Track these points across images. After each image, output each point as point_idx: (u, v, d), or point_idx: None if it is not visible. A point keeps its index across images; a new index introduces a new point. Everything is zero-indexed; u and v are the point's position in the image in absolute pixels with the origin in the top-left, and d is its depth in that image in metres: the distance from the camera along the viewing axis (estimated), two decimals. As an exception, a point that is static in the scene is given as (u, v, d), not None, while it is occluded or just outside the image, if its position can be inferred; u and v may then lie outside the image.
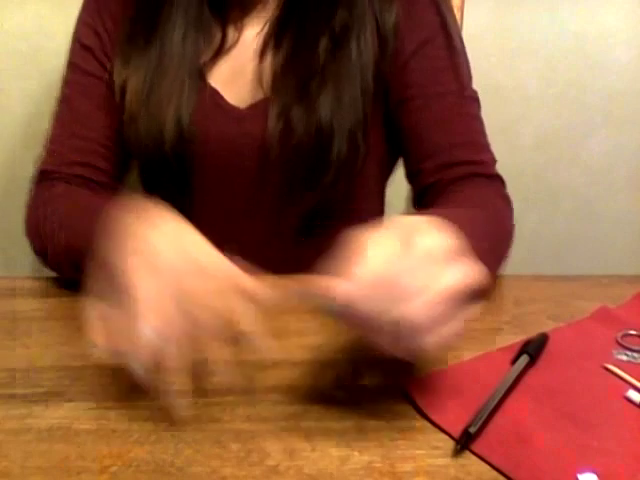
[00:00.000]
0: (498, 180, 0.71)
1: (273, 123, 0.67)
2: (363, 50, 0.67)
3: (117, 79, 0.71)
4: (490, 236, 0.59)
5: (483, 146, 0.72)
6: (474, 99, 0.72)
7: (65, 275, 0.64)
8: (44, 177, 0.73)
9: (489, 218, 0.63)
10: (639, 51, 1.25)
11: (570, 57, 1.24)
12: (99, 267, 0.48)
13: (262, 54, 0.70)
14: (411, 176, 0.74)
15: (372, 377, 0.47)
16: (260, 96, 0.69)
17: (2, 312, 0.57)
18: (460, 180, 0.69)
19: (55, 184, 0.72)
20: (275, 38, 0.69)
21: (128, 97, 0.70)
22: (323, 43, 0.66)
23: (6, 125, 1.13)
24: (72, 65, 0.75)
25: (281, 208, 0.72)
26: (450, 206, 0.65)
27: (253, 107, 0.70)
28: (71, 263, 0.60)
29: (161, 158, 0.70)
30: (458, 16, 0.96)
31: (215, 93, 0.70)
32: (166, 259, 0.45)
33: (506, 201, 0.70)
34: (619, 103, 1.28)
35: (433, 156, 0.70)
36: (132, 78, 0.70)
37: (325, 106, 0.66)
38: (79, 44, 0.74)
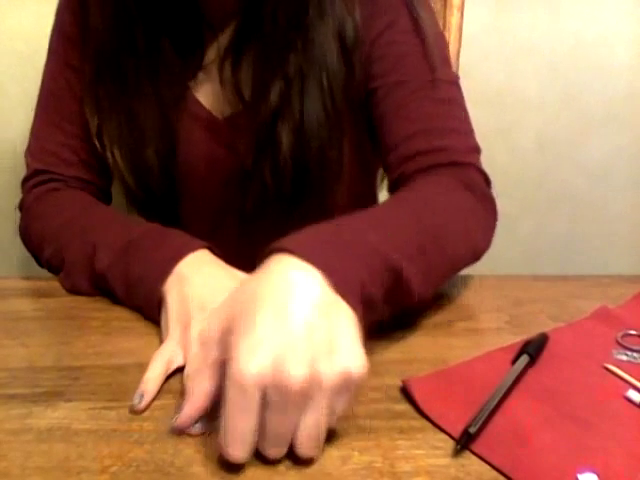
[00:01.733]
0: (468, 169, 0.64)
1: (244, 142, 0.67)
2: (328, 65, 0.64)
3: (90, 120, 0.69)
4: (423, 236, 0.51)
5: (451, 131, 0.66)
6: (449, 82, 0.68)
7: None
8: (42, 178, 0.72)
9: (427, 214, 0.54)
10: (639, 51, 1.25)
11: (570, 58, 1.25)
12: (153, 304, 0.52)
13: (223, 74, 0.68)
14: (385, 173, 0.71)
15: (372, 377, 0.47)
16: (235, 109, 0.69)
17: (2, 312, 0.57)
18: (420, 172, 0.64)
19: (55, 187, 0.72)
20: (233, 59, 0.67)
21: (107, 140, 0.69)
22: (276, 79, 0.64)
23: (6, 125, 1.13)
24: (54, 55, 0.74)
25: (265, 218, 0.71)
26: (397, 196, 0.58)
27: (230, 119, 0.70)
28: (87, 277, 0.60)
29: (144, 184, 0.70)
30: (458, 16, 0.96)
31: (198, 104, 0.70)
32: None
33: (470, 189, 0.62)
34: (619, 104, 1.28)
35: (395, 148, 0.66)
36: (107, 122, 0.69)
37: (288, 128, 0.64)
38: (61, 34, 0.73)
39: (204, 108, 0.71)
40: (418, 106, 0.66)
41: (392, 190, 0.69)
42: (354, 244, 0.44)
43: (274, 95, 0.64)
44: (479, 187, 0.64)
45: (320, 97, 0.64)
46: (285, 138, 0.64)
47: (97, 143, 0.70)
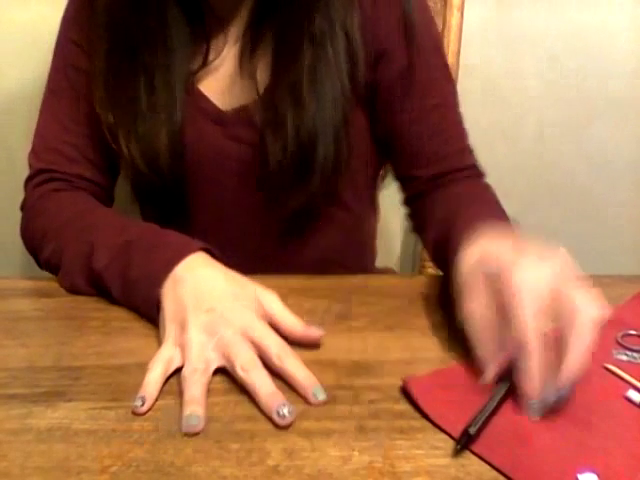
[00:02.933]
0: (481, 175, 0.75)
1: (259, 128, 0.67)
2: (338, 52, 0.66)
3: (103, 115, 0.69)
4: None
5: (470, 149, 0.75)
6: (457, 103, 0.74)
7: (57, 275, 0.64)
8: (44, 177, 0.72)
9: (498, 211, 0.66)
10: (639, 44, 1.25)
11: (570, 57, 1.24)
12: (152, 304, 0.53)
13: (242, 61, 0.69)
14: (403, 181, 0.76)
15: (372, 377, 0.47)
16: (246, 101, 0.69)
17: (2, 312, 0.57)
18: (453, 182, 0.72)
19: (58, 187, 0.72)
20: (251, 45, 0.68)
21: (121, 133, 0.69)
22: (303, 48, 0.65)
23: (6, 125, 1.13)
24: (59, 57, 0.74)
25: (270, 208, 0.72)
26: (451, 203, 0.67)
27: (239, 111, 0.70)
28: (84, 276, 0.60)
29: (155, 171, 0.69)
30: (458, 16, 0.96)
31: (203, 98, 0.70)
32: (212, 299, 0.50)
33: (491, 191, 0.72)
34: (619, 98, 1.28)
35: (429, 166, 0.73)
36: (119, 111, 0.69)
37: (309, 110, 0.65)
38: (67, 38, 0.74)
39: (209, 101, 0.71)
40: (449, 129, 0.73)
41: (412, 200, 0.76)
42: None
43: (307, 54, 0.65)
44: (492, 190, 0.72)
45: (334, 69, 0.66)
46: (308, 100, 0.65)
47: (106, 130, 0.69)
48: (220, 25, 0.70)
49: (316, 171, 0.67)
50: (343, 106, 0.67)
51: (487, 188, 0.72)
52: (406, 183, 0.76)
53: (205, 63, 0.70)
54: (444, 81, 0.73)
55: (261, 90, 0.68)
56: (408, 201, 0.77)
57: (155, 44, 0.67)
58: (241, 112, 0.70)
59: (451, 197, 0.70)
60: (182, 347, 0.47)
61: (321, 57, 0.65)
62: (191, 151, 0.71)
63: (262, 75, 0.68)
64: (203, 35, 0.70)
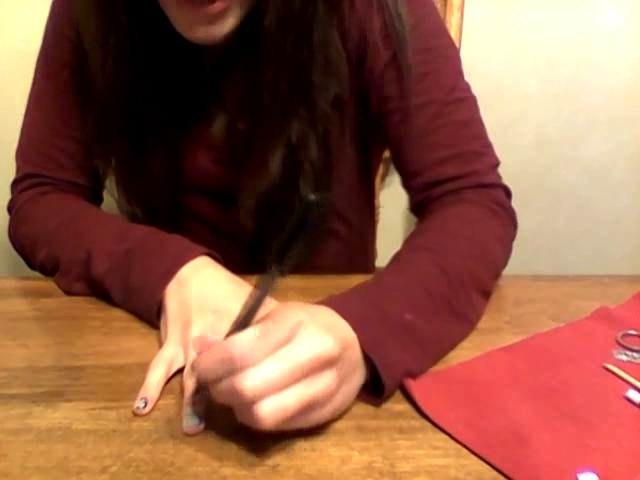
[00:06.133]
0: (493, 188, 0.66)
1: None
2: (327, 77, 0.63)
3: (100, 165, 0.70)
4: (452, 292, 0.52)
5: (475, 154, 0.66)
6: (465, 99, 0.67)
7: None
8: (33, 182, 0.71)
9: (460, 259, 0.55)
10: (639, 51, 1.25)
11: (570, 57, 1.25)
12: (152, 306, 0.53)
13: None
14: (405, 189, 0.71)
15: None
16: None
17: (2, 312, 0.57)
18: (447, 195, 0.64)
19: (46, 190, 0.71)
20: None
21: (117, 180, 0.70)
22: (290, 134, 0.63)
23: (6, 126, 1.13)
24: (50, 54, 0.71)
25: (260, 234, 0.70)
26: (427, 235, 0.59)
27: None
28: (80, 278, 0.60)
29: (155, 212, 0.71)
30: (458, 16, 0.96)
31: (197, 127, 0.69)
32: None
33: (498, 213, 0.64)
34: (619, 103, 1.28)
35: (419, 174, 0.66)
36: (116, 170, 0.70)
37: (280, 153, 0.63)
38: (56, 32, 0.70)
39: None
40: (443, 131, 0.65)
41: (415, 210, 0.70)
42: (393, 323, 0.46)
43: (275, 163, 0.63)
44: (502, 205, 0.65)
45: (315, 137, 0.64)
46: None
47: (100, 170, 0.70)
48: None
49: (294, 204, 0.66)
50: (326, 141, 0.65)
51: (477, 215, 0.62)
52: (407, 192, 0.70)
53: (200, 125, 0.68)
54: (431, 78, 0.65)
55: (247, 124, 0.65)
56: (413, 211, 0.71)
57: (149, 107, 0.65)
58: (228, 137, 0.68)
59: (423, 228, 0.62)
60: (185, 346, 0.47)
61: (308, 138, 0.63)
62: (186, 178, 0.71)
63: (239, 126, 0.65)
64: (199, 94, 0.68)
